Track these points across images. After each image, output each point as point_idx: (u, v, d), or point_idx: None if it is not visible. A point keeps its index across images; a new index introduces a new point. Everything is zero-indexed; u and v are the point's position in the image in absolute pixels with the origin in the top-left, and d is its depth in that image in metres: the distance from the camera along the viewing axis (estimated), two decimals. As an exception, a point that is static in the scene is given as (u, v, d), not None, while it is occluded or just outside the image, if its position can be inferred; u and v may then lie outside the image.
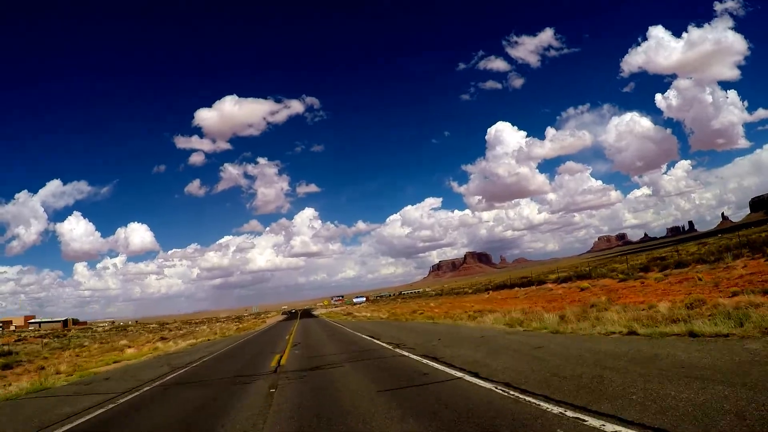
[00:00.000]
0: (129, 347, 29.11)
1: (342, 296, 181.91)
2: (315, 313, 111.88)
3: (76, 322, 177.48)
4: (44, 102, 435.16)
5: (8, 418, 9.12)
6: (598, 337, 10.83)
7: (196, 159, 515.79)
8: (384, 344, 15.17)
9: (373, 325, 28.37)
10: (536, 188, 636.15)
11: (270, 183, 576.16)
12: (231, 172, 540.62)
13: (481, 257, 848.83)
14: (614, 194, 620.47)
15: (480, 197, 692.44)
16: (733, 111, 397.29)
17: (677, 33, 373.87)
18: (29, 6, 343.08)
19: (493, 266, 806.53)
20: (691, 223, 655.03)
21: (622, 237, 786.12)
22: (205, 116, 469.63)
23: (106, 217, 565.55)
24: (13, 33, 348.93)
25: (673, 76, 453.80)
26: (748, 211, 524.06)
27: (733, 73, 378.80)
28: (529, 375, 7.30)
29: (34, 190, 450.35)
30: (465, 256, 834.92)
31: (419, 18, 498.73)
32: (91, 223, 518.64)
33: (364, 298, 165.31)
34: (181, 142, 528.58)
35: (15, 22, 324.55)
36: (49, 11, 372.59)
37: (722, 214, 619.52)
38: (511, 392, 6.37)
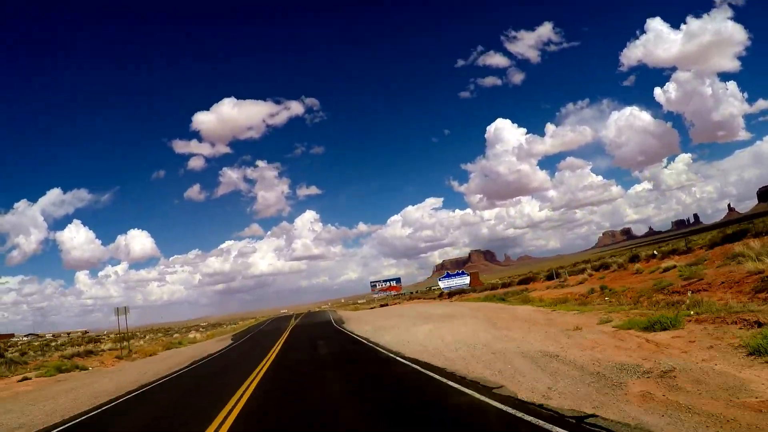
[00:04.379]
0: None
1: (393, 281, 78.59)
2: (362, 334, 22.54)
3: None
4: (44, 110, 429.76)
5: None
6: None
7: (196, 163, 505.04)
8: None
9: None
10: (537, 185, 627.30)
11: (270, 186, 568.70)
12: (231, 176, 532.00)
13: (486, 255, 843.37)
14: (615, 189, 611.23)
15: (481, 196, 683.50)
16: (733, 102, 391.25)
17: (676, 24, 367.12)
18: (23, 11, 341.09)
19: (497, 264, 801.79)
20: (696, 215, 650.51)
21: (626, 232, 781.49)
22: (203, 119, 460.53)
23: (106, 225, 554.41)
24: (9, 39, 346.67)
25: (673, 69, 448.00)
26: (751, 202, 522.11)
27: (733, 64, 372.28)
28: None
29: (33, 199, 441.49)
30: (470, 254, 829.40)
31: (418, 15, 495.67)
32: (91, 231, 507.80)
33: (467, 277, 71.13)
34: (180, 147, 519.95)
35: (10, 29, 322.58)
36: (45, 15, 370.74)
37: (728, 205, 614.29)
38: None
